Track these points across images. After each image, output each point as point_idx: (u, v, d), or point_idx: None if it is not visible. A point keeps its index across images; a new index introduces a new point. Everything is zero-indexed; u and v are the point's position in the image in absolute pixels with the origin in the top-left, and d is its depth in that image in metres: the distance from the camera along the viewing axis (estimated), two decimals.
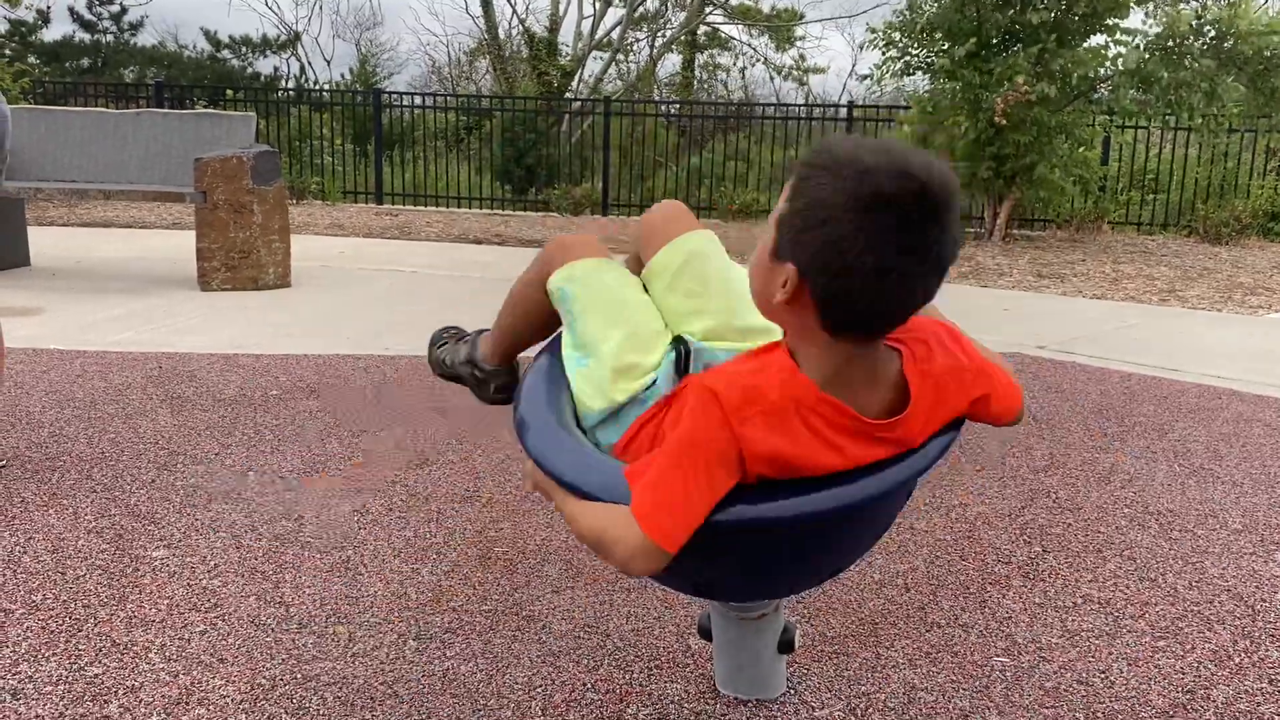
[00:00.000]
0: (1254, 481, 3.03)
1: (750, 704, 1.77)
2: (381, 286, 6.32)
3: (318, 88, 16.13)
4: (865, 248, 1.14)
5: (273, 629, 2.00)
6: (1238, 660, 1.97)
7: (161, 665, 1.85)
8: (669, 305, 1.63)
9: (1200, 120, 9.69)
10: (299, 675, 1.83)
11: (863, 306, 1.19)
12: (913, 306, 1.21)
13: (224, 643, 1.94)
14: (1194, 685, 1.87)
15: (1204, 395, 4.08)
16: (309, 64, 24.13)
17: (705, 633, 1.79)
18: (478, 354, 1.95)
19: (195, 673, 1.83)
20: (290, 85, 18.70)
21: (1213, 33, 9.06)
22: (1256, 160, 11.85)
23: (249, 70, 22.98)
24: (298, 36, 24.22)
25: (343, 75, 23.26)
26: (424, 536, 2.48)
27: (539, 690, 1.81)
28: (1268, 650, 2.01)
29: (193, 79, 20.36)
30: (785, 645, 1.73)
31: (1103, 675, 1.90)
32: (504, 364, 1.92)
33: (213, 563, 2.29)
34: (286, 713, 1.72)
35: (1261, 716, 1.77)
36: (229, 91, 13.98)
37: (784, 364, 1.27)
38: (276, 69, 21.86)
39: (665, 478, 1.24)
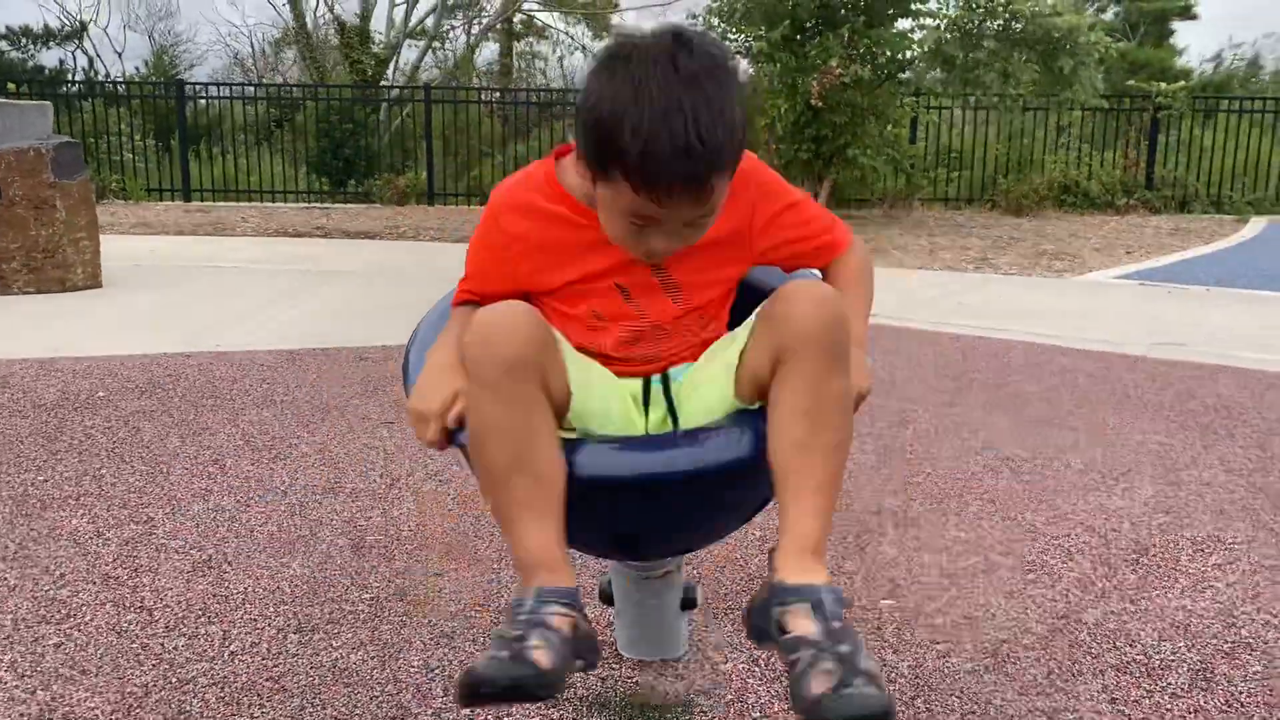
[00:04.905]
0: (1087, 426, 3.22)
1: (655, 665, 1.75)
2: (203, 283, 5.99)
3: (112, 80, 15.16)
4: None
5: (137, 635, 1.85)
6: (1100, 585, 2.09)
7: (14, 682, 1.69)
8: None
9: (996, 99, 10.29)
10: (173, 679, 1.71)
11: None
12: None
13: (83, 654, 1.79)
14: (1066, 611, 1.97)
15: (1030, 351, 4.32)
16: (98, 56, 22.64)
17: (606, 597, 1.76)
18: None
19: (55, 687, 1.68)
20: (79, 78, 17.50)
21: (1006, 15, 9.61)
22: (1049, 136, 12.67)
23: (31, 63, 21.36)
24: (84, 27, 22.68)
25: (137, 68, 21.91)
26: (289, 530, 2.35)
27: (436, 672, 1.74)
28: (1125, 574, 2.14)
29: None
30: (688, 603, 1.72)
31: (984, 609, 1.98)
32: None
33: (58, 572, 2.11)
34: (165, 718, 1.59)
35: (1129, 633, 1.88)
36: (10, 85, 12.97)
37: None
38: (62, 62, 20.38)
39: None
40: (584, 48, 22.96)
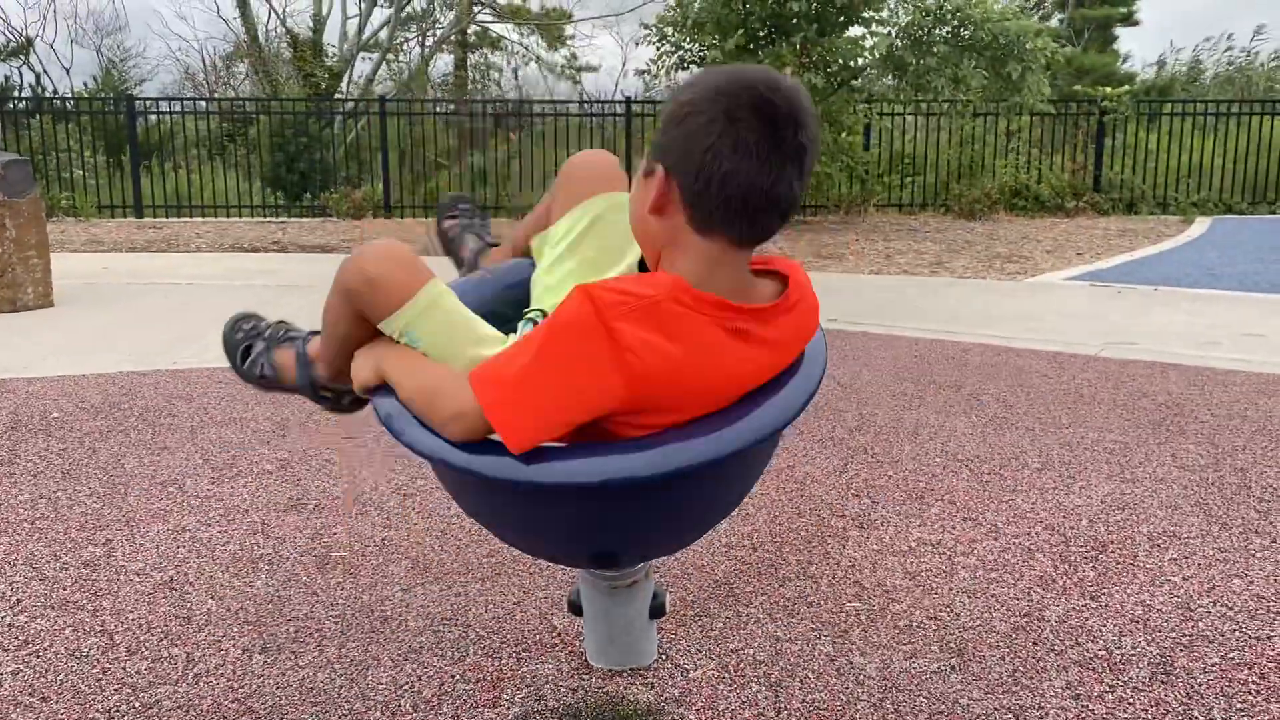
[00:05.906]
0: (1043, 425, 3.27)
1: (625, 674, 1.75)
2: (158, 300, 5.91)
3: (60, 96, 14.92)
4: (722, 133, 1.19)
5: (98, 660, 1.83)
6: (1061, 582, 2.12)
7: None
8: (556, 276, 1.59)
9: (947, 105, 10.43)
10: (137, 704, 1.68)
11: (726, 192, 1.21)
12: (775, 201, 1.22)
13: (42, 680, 1.76)
14: (1029, 609, 2.00)
15: (985, 353, 4.38)
16: (45, 72, 22.23)
17: (575, 608, 1.76)
18: (316, 375, 1.70)
19: (14, 715, 1.65)
20: (26, 94, 17.21)
21: (955, 21, 9.73)
22: (999, 141, 12.85)
23: None
24: (30, 42, 22.29)
25: (85, 84, 21.55)
26: (251, 549, 2.33)
27: (405, 688, 1.73)
28: (1084, 571, 2.17)
29: None
30: (657, 610, 1.72)
31: (948, 609, 2.00)
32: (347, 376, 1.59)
33: (14, 598, 2.07)
34: None
35: (1090, 629, 1.91)
36: None
37: (659, 275, 1.27)
38: (7, 78, 19.99)
39: (517, 356, 1.24)
40: (538, 58, 22.95)
